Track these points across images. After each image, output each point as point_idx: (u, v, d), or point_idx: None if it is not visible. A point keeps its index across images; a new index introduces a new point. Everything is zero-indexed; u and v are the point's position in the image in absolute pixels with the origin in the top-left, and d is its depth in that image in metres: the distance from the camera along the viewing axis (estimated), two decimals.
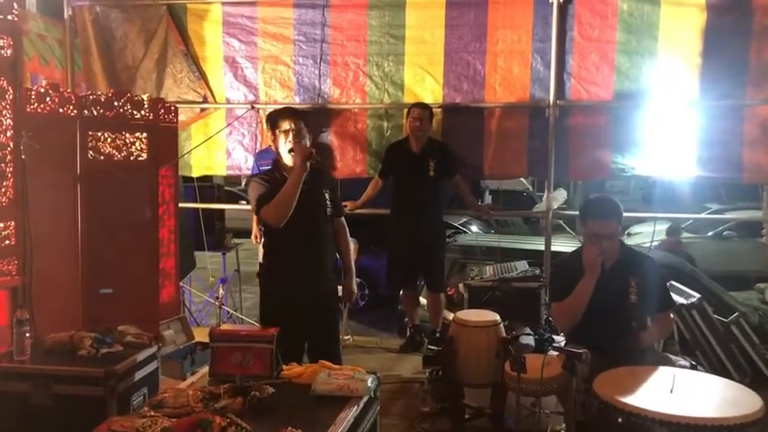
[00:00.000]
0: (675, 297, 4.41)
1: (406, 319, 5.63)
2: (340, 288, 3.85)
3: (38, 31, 5.64)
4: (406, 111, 5.29)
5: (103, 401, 2.88)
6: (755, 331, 4.89)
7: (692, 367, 3.35)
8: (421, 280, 5.61)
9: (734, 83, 4.90)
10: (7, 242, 3.41)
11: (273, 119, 3.59)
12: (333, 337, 3.76)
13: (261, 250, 4.25)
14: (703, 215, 11.14)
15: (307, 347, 3.62)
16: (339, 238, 3.76)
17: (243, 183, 13.92)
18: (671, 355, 3.59)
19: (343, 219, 3.80)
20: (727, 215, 11.44)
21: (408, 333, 5.50)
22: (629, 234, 10.57)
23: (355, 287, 3.86)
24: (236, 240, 7.11)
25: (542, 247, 5.52)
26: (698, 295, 4.80)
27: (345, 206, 4.50)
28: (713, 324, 4.74)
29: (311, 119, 5.19)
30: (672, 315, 3.57)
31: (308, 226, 3.51)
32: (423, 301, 5.70)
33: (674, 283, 4.84)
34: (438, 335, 4.93)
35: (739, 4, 4.85)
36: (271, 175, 3.56)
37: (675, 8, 4.95)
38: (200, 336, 4.72)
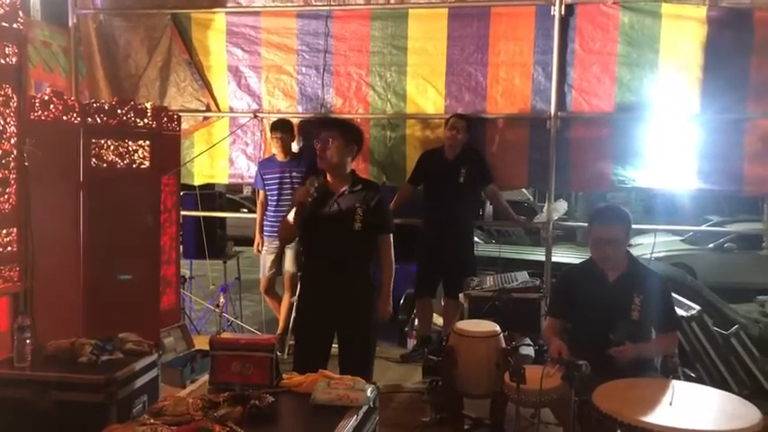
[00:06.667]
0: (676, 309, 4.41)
1: (407, 329, 5.62)
2: None
3: (42, 39, 5.67)
4: (444, 121, 5.25)
5: (104, 408, 2.88)
6: (755, 344, 4.89)
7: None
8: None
9: (734, 96, 4.93)
10: (9, 248, 3.40)
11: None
12: (358, 353, 3.60)
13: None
14: (704, 227, 11.19)
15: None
16: (378, 255, 3.64)
17: (245, 191, 13.97)
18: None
19: (386, 236, 3.63)
20: (728, 227, 11.51)
21: (415, 343, 5.47)
22: (629, 246, 10.55)
23: (389, 307, 3.68)
24: (238, 248, 7.08)
25: (543, 258, 5.53)
26: (698, 307, 4.80)
27: None
28: (713, 336, 4.74)
29: (313, 129, 5.21)
30: (677, 335, 3.51)
31: (324, 241, 3.55)
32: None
33: (674, 295, 4.84)
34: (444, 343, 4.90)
35: (740, 18, 4.88)
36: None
37: (676, 21, 4.98)
38: (201, 344, 4.72)
